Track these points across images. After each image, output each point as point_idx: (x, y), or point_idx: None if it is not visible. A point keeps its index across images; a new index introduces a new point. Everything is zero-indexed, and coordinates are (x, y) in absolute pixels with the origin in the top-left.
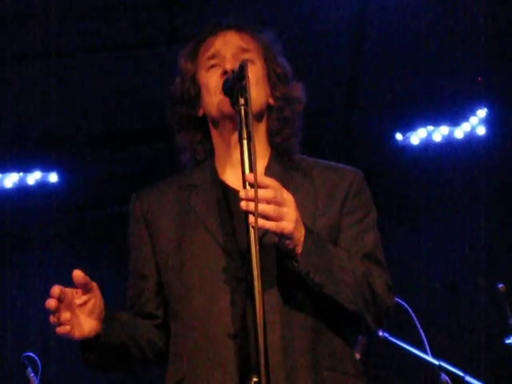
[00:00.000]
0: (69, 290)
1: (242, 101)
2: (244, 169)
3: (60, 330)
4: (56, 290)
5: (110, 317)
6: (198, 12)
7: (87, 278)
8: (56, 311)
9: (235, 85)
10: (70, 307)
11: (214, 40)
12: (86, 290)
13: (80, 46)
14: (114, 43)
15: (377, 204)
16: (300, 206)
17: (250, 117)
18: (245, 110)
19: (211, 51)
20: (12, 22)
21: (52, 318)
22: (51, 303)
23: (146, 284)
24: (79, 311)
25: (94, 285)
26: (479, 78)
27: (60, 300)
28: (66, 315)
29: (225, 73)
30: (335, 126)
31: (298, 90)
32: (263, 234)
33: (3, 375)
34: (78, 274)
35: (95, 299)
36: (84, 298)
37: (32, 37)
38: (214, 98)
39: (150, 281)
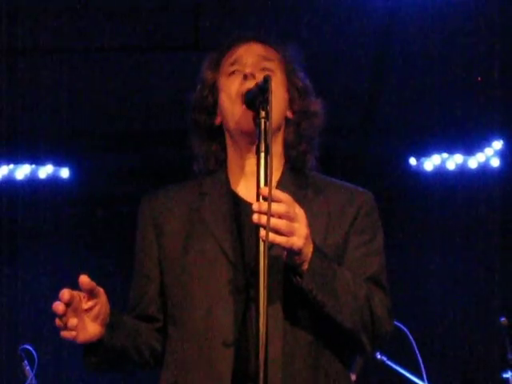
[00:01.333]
0: (76, 294)
1: (263, 113)
2: (259, 182)
3: (65, 334)
4: (66, 294)
5: (114, 321)
6: (222, 22)
7: (93, 284)
8: (63, 315)
9: (257, 97)
10: (77, 311)
11: (237, 49)
12: (92, 295)
13: (101, 44)
14: (134, 44)
15: (386, 227)
16: (311, 223)
17: (270, 131)
18: (265, 122)
19: (233, 58)
20: (37, 15)
21: (58, 322)
22: (59, 308)
23: (149, 286)
24: (85, 315)
25: (101, 290)
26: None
27: (68, 304)
28: (73, 321)
29: (245, 77)
30: (350, 146)
31: (316, 105)
32: (271, 246)
33: None
34: (84, 279)
35: (101, 305)
36: (90, 303)
37: (52, 32)
38: (234, 107)
39: (153, 283)
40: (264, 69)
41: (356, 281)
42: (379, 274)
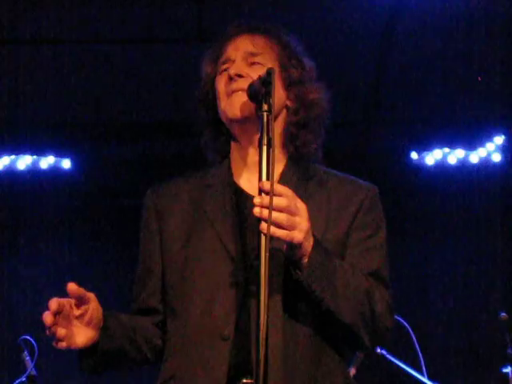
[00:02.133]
0: (66, 302)
1: (265, 106)
2: (261, 175)
3: (57, 345)
4: (53, 303)
5: (109, 323)
6: (225, 13)
7: (82, 291)
8: (51, 326)
9: (260, 90)
10: (68, 318)
11: (228, 45)
12: (82, 301)
13: (103, 35)
14: (137, 35)
15: (387, 221)
16: (312, 217)
17: (272, 123)
18: (267, 116)
19: (224, 57)
20: (37, 5)
21: (48, 332)
22: (47, 319)
23: (151, 278)
24: (77, 321)
25: (91, 296)
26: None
27: (58, 313)
28: (60, 332)
29: (230, 78)
30: (352, 141)
31: (315, 92)
32: (271, 239)
33: None
34: (72, 287)
35: (92, 310)
36: (80, 311)
37: (55, 22)
38: (222, 103)
39: (155, 276)
40: (253, 63)
41: (356, 276)
42: (381, 269)
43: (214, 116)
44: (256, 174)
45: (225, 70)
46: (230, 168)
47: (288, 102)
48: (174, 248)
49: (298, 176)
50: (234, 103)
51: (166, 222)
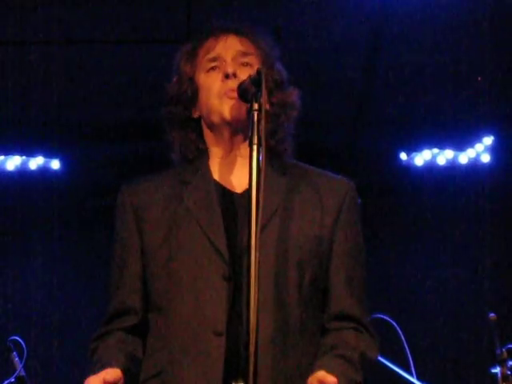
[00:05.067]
0: None
1: (255, 106)
2: (252, 173)
3: None
4: None
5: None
6: (215, 13)
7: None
8: None
9: (250, 89)
10: None
11: (215, 43)
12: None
13: (92, 35)
14: (126, 36)
15: (376, 222)
16: (298, 210)
17: (263, 123)
18: (258, 115)
19: (212, 54)
20: (25, 5)
21: None
22: None
23: (129, 275)
24: None
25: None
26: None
27: None
28: None
29: (226, 76)
30: (341, 141)
31: (293, 95)
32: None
33: None
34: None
35: None
36: None
37: (43, 22)
38: (216, 102)
39: (134, 272)
40: (243, 64)
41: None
42: (362, 312)
43: (188, 114)
44: (237, 171)
45: (213, 67)
46: (207, 166)
47: (267, 105)
48: (154, 244)
49: (278, 171)
50: (231, 105)
51: (144, 217)
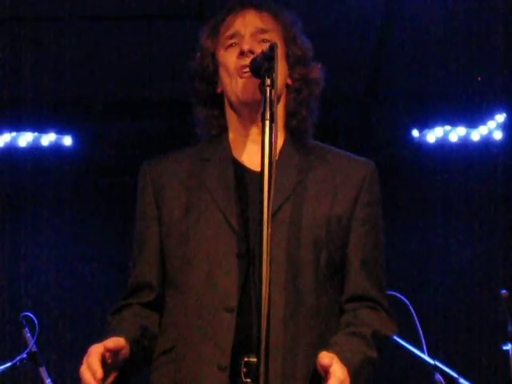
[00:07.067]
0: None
1: (268, 81)
2: (264, 149)
3: None
4: (98, 372)
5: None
6: None
7: (120, 345)
8: None
9: (263, 65)
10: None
11: (234, 19)
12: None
13: (105, 12)
14: (138, 13)
15: (388, 199)
16: (317, 190)
17: (275, 99)
18: (270, 90)
19: (231, 31)
20: None
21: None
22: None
23: (147, 250)
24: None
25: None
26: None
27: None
28: None
29: (242, 53)
30: (353, 118)
31: (316, 71)
32: (274, 213)
33: None
34: (110, 344)
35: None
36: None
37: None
38: (232, 81)
39: (152, 247)
40: (262, 41)
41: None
42: (379, 293)
43: (212, 89)
44: (256, 149)
45: (232, 44)
46: (228, 143)
47: (289, 81)
48: (172, 220)
49: (298, 151)
50: (245, 82)
51: (164, 194)
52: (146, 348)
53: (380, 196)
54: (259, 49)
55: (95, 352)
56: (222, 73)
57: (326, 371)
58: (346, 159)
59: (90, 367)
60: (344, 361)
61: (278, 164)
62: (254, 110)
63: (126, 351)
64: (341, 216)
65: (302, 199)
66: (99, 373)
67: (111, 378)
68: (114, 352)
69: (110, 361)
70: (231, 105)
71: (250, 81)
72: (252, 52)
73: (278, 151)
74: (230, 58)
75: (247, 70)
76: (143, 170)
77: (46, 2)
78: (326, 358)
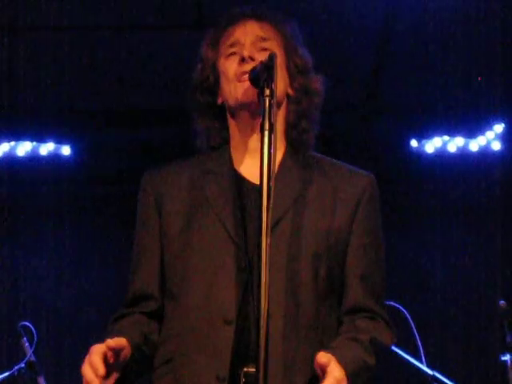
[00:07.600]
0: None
1: (267, 91)
2: (262, 161)
3: None
4: (100, 369)
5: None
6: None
7: (121, 344)
8: None
9: (262, 74)
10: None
11: (235, 29)
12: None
13: (103, 22)
14: (136, 22)
15: (386, 209)
16: (317, 203)
17: (274, 108)
18: (269, 100)
19: (231, 40)
20: None
21: None
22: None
23: (149, 262)
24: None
25: (125, 344)
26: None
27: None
28: None
29: (242, 60)
30: (351, 127)
31: (317, 82)
32: (274, 225)
33: None
34: (111, 343)
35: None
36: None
37: (54, 8)
38: (231, 86)
39: (153, 259)
40: (263, 49)
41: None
42: (377, 305)
43: (213, 100)
44: (257, 160)
45: (232, 53)
46: (229, 154)
47: (290, 91)
48: (173, 231)
49: (298, 163)
50: (245, 87)
51: (165, 205)
52: (146, 354)
53: (379, 209)
54: (259, 57)
55: (97, 351)
56: (223, 81)
57: (324, 370)
58: (346, 172)
59: (91, 364)
60: (342, 363)
61: (278, 177)
62: (254, 115)
63: (127, 352)
64: (340, 229)
65: (302, 212)
66: (101, 369)
67: (112, 379)
68: (116, 351)
69: (111, 360)
70: (231, 113)
71: (250, 85)
72: (252, 58)
73: (277, 163)
74: (230, 66)
75: (247, 76)
76: (145, 179)
77: (44, 11)
78: (323, 357)
